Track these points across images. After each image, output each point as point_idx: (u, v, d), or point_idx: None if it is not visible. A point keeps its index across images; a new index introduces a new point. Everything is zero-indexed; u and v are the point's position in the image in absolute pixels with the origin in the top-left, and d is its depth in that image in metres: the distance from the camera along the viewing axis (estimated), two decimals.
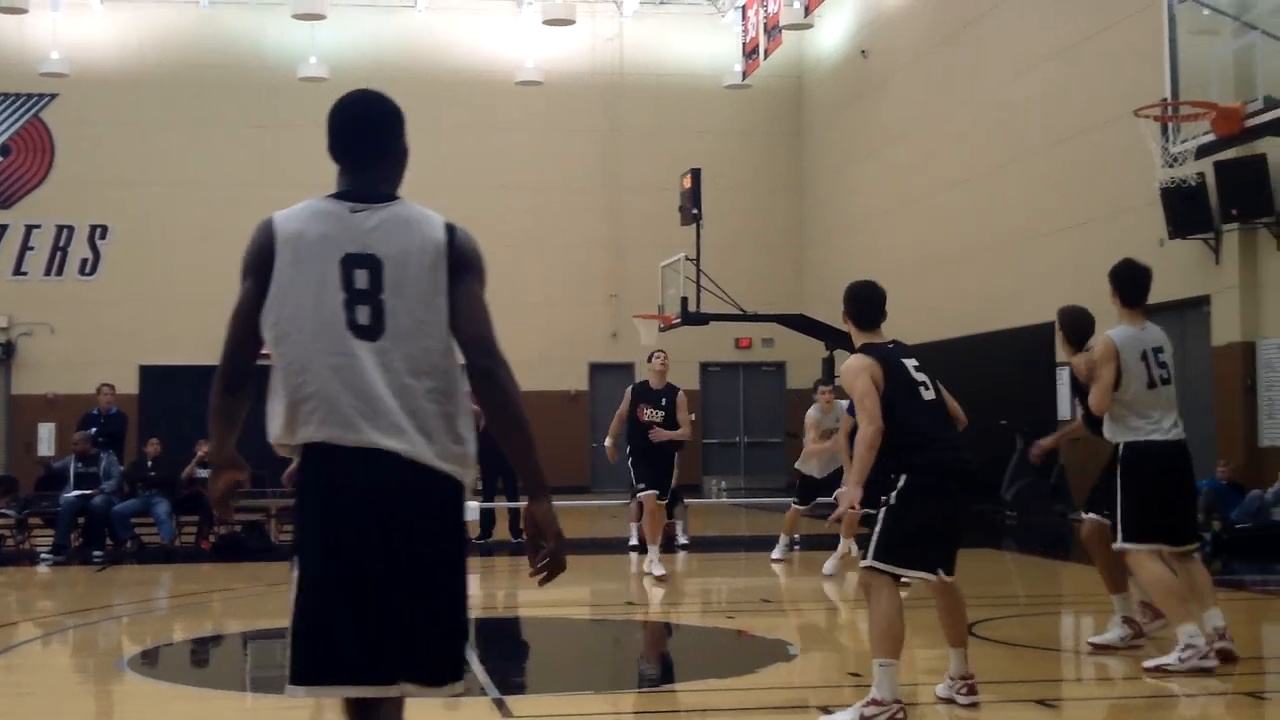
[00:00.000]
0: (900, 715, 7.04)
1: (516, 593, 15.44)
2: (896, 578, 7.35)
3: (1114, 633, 9.32)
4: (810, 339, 25.58)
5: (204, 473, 18.57)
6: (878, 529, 7.36)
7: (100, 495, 17.82)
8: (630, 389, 14.90)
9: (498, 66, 31.73)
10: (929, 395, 7.51)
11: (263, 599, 13.82)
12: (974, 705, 7.42)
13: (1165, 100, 10.42)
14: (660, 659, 10.86)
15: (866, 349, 7.63)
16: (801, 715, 7.65)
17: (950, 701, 7.54)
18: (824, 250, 31.99)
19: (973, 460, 7.53)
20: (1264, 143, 15.72)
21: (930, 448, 7.40)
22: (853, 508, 7.52)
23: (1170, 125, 10.02)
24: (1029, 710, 7.73)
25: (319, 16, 28.90)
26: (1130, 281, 8.90)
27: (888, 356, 7.57)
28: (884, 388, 7.44)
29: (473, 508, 18.55)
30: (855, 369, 7.54)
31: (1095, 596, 11.16)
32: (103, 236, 30.75)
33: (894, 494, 7.33)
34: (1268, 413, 17.92)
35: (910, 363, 7.59)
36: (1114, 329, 8.80)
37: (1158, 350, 8.77)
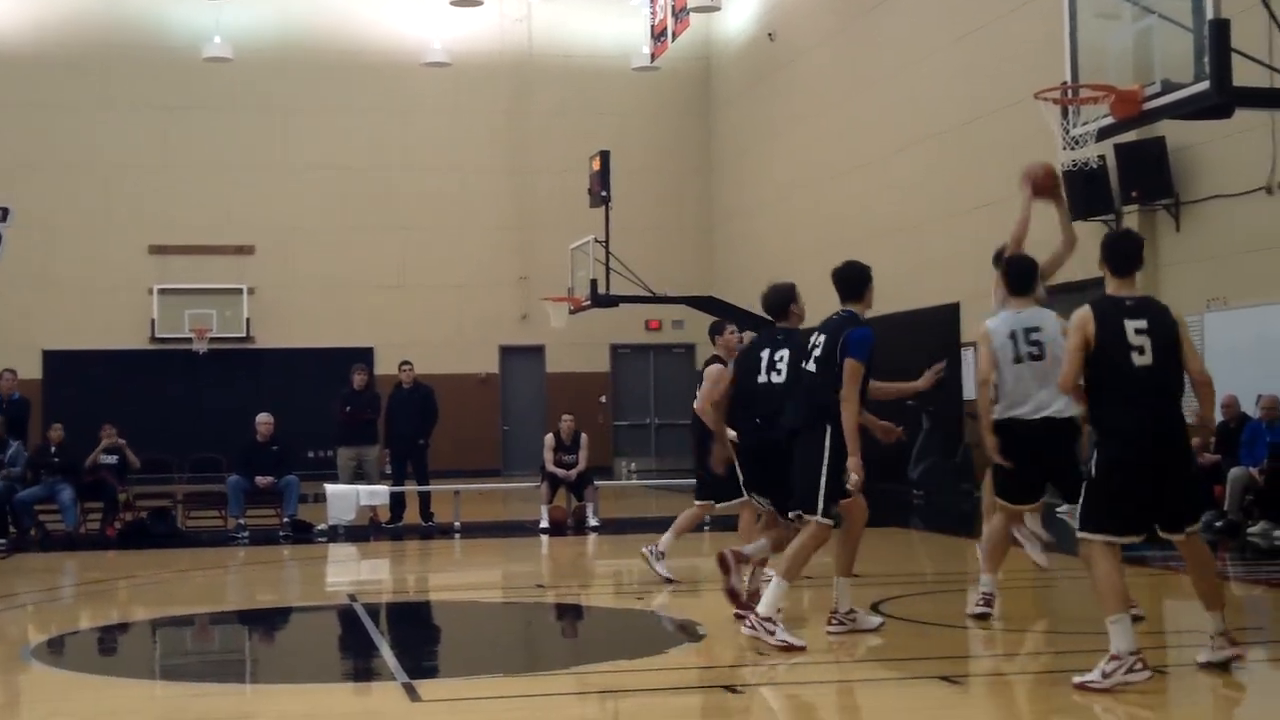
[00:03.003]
0: (1139, 663, 7.35)
1: (427, 576, 15.43)
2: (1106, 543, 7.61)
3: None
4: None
5: (109, 459, 18.38)
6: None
7: (2, 482, 17.58)
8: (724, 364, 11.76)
9: (405, 47, 31.53)
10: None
11: (169, 586, 13.71)
12: (1237, 657, 7.72)
13: (1065, 83, 10.54)
14: (570, 641, 10.91)
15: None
16: (710, 695, 7.71)
17: (1209, 665, 7.76)
18: (733, 232, 32.12)
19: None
20: (1163, 125, 15.95)
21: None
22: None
23: (1071, 108, 10.14)
24: (933, 686, 7.83)
25: None
26: (1018, 273, 9.57)
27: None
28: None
29: (383, 492, 18.50)
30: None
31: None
32: (2, 219, 30.18)
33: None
34: None
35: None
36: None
37: (1030, 330, 9.26)
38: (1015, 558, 10.22)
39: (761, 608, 8.83)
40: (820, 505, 8.89)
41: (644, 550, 12.52)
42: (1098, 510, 7.61)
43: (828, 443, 8.89)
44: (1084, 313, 7.70)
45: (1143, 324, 7.59)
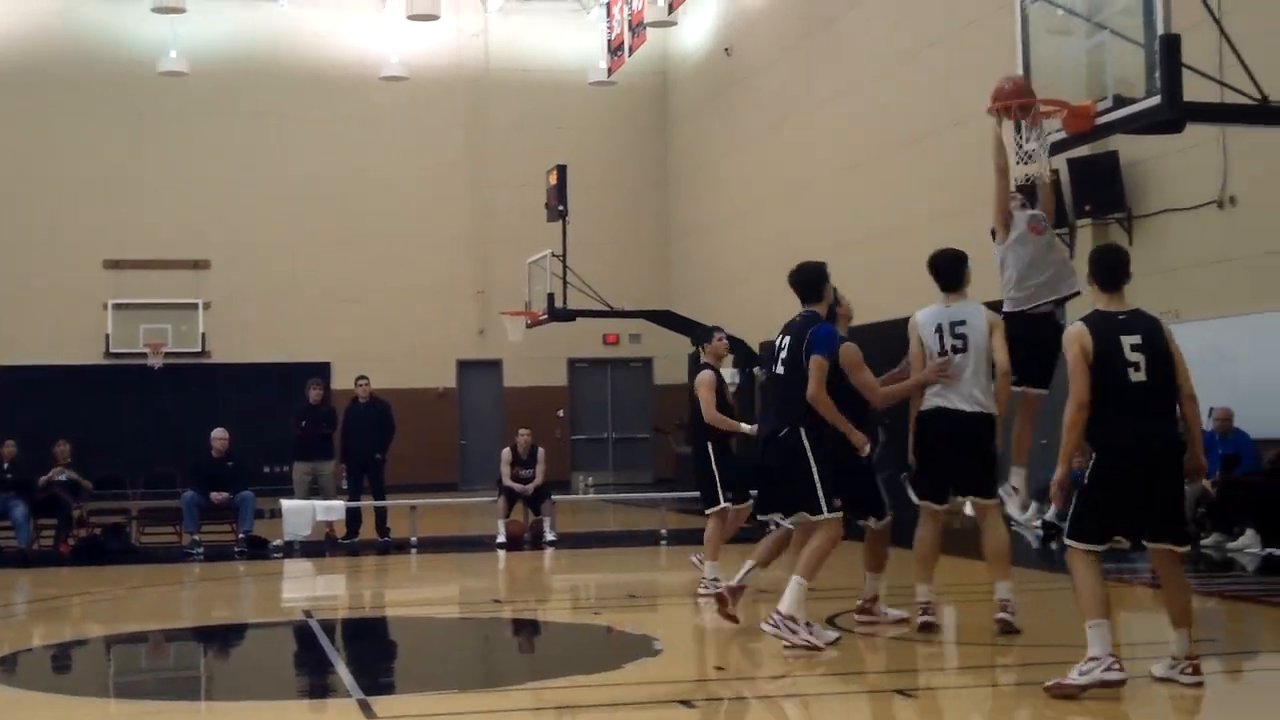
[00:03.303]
0: (1116, 665, 7.37)
1: (383, 592, 15.38)
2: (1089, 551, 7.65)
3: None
4: (677, 335, 25.68)
5: (63, 476, 18.24)
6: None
7: None
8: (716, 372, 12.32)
9: (362, 61, 31.45)
10: None
11: (123, 602, 13.62)
12: (1198, 685, 7.66)
13: None
14: (527, 656, 10.89)
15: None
16: (666, 710, 7.70)
17: (1166, 680, 7.75)
18: (690, 246, 32.16)
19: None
20: (1116, 140, 16.08)
21: None
22: None
23: (1024, 122, 10.21)
24: (889, 700, 7.85)
25: (179, 10, 28.39)
26: (945, 267, 10.05)
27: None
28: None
29: (338, 507, 18.42)
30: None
31: (956, 586, 11.39)
32: None
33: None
34: None
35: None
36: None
37: (956, 323, 9.61)
38: (968, 569, 10.25)
39: (783, 606, 8.93)
40: (823, 503, 8.98)
41: (693, 559, 12.72)
42: (1088, 521, 7.65)
43: (807, 441, 8.99)
44: (1079, 328, 7.70)
45: (1137, 339, 7.64)
